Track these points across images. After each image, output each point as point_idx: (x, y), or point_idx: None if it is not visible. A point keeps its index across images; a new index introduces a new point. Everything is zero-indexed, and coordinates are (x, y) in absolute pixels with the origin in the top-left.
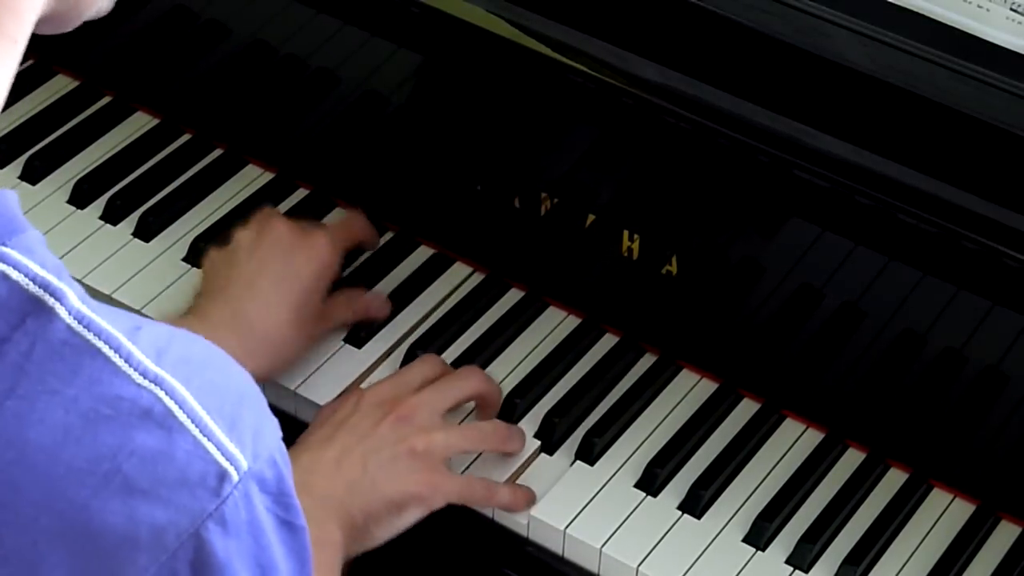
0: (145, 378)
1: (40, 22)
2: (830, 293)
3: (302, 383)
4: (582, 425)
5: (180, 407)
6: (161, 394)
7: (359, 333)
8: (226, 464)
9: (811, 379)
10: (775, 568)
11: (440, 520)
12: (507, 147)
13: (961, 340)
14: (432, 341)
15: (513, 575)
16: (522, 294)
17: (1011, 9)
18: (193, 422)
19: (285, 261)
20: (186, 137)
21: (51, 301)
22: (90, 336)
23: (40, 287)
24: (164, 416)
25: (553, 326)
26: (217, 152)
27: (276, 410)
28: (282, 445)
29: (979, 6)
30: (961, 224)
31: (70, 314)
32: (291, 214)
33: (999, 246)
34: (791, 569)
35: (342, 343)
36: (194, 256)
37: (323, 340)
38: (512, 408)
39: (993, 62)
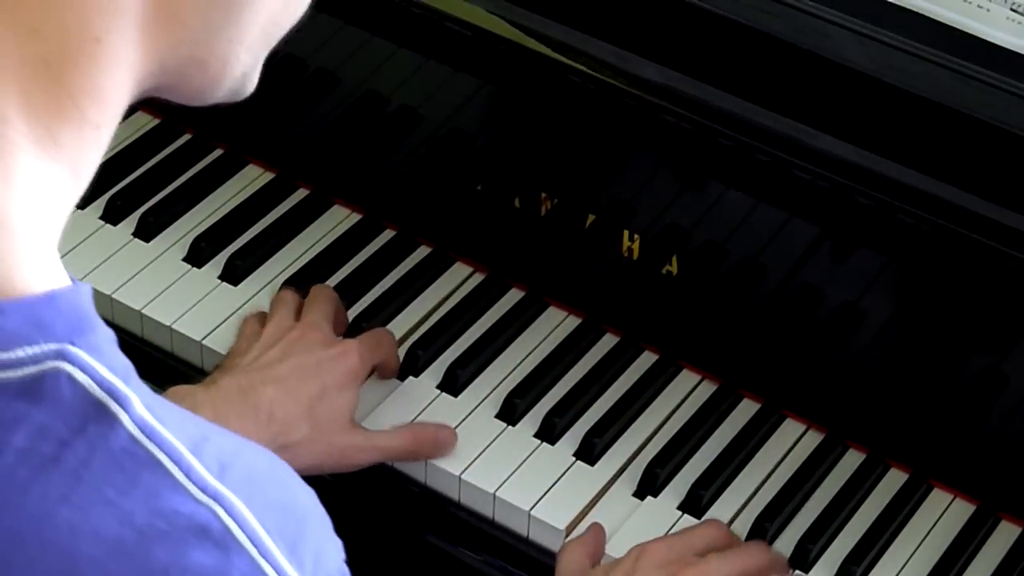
0: (205, 493)
1: (165, 93)
2: (830, 293)
3: None
4: (582, 425)
5: (239, 526)
6: (220, 511)
7: (359, 334)
8: None
9: (811, 379)
10: None
11: (444, 521)
12: (507, 147)
13: (961, 340)
14: (432, 341)
15: (514, 571)
16: (522, 294)
17: (1011, 9)
18: (252, 542)
19: (310, 355)
20: (186, 137)
21: (115, 407)
22: (151, 447)
23: (105, 392)
24: (222, 534)
25: (553, 326)
26: (217, 152)
27: None
28: (344, 568)
29: (979, 6)
30: (961, 224)
31: (133, 422)
32: (291, 214)
33: (999, 246)
34: (792, 569)
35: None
36: (194, 256)
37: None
38: (512, 408)
39: (993, 62)
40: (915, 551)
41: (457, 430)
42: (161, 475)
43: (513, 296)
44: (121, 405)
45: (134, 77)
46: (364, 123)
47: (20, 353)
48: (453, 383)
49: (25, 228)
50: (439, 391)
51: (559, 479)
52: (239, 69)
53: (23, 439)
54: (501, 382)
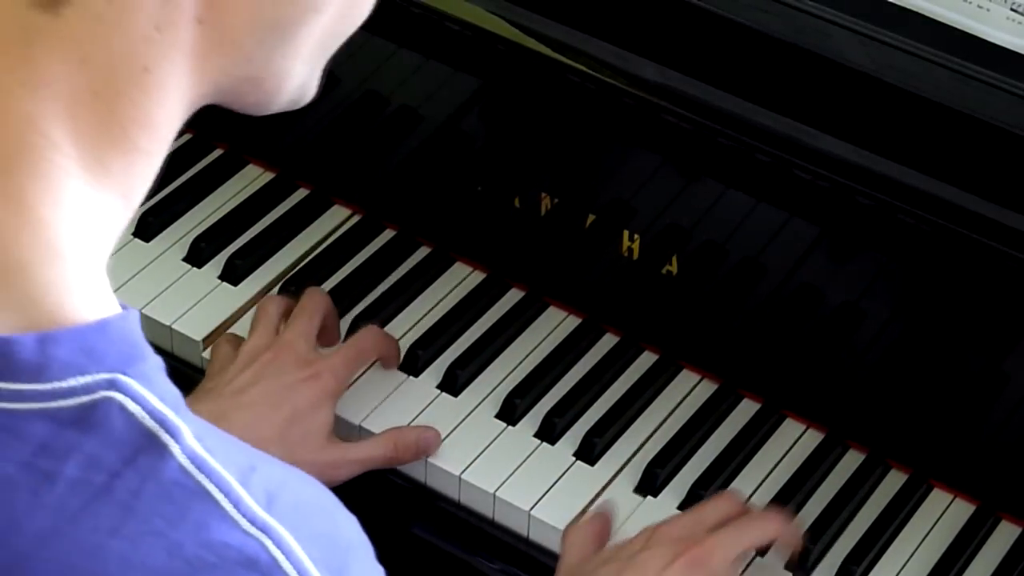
0: (253, 525)
1: (229, 103)
2: (830, 293)
3: None
4: (582, 425)
5: (287, 557)
6: (268, 543)
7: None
8: None
9: (811, 379)
10: (776, 568)
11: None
12: (507, 147)
13: (961, 340)
14: (432, 341)
15: (514, 571)
16: (522, 294)
17: (1011, 9)
18: (299, 573)
19: (282, 378)
20: (186, 137)
21: (166, 438)
22: (201, 478)
23: (156, 422)
24: (269, 566)
25: (553, 326)
26: (217, 152)
27: None
28: None
29: (979, 6)
30: (961, 224)
31: (184, 453)
32: (291, 214)
33: (999, 246)
34: (792, 570)
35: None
36: (194, 256)
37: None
38: (512, 408)
39: (993, 62)
40: (915, 551)
41: (457, 430)
42: (211, 506)
43: (513, 296)
44: (172, 435)
45: (185, 102)
46: (364, 123)
47: (72, 382)
48: (453, 383)
49: (75, 253)
50: (439, 391)
51: (559, 479)
52: (296, 81)
53: (75, 469)
54: (501, 382)
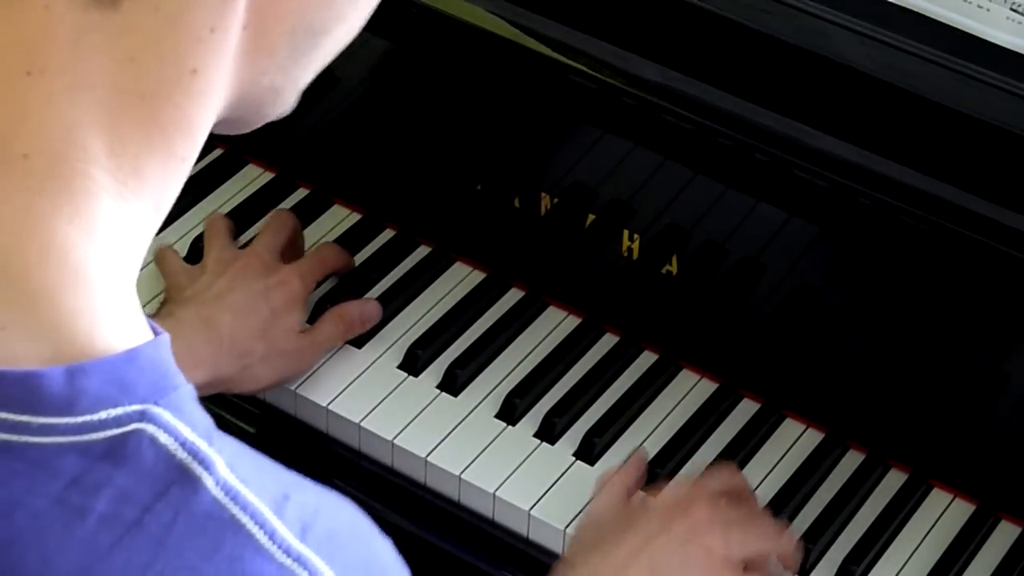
0: (288, 557)
1: (218, 125)
2: (830, 293)
3: (302, 383)
4: (582, 425)
5: None
6: (304, 574)
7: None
8: None
9: (811, 379)
10: (775, 568)
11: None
12: (507, 147)
13: (961, 340)
14: (432, 341)
15: (514, 571)
16: (522, 294)
17: (1011, 9)
18: None
19: (255, 284)
20: None
21: (199, 470)
22: (235, 510)
23: (189, 453)
24: None
25: (553, 326)
26: (217, 152)
27: (275, 410)
28: None
29: (979, 6)
30: (961, 224)
31: (217, 485)
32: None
33: (999, 246)
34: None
35: (342, 343)
36: (194, 256)
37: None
38: (512, 408)
39: (993, 62)
40: (915, 551)
41: (457, 430)
42: (244, 538)
43: (513, 296)
44: (205, 467)
45: (219, 109)
46: (364, 123)
47: (104, 415)
48: (453, 383)
49: (105, 279)
50: (439, 391)
51: (559, 479)
52: (299, 92)
53: (107, 504)
54: (501, 382)
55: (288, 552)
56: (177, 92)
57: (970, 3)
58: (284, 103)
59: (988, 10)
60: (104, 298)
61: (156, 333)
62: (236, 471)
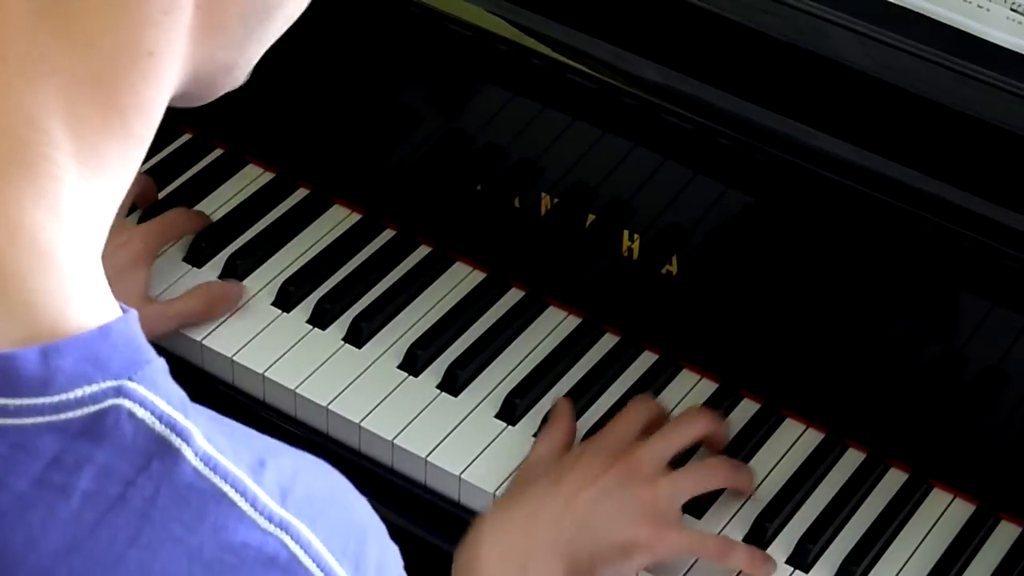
0: (271, 523)
1: (173, 100)
2: (829, 292)
3: (302, 383)
4: (582, 425)
5: (305, 551)
6: (287, 539)
7: (359, 333)
8: None
9: (811, 379)
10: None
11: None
12: (507, 147)
13: (961, 340)
14: (432, 341)
15: None
16: (522, 294)
17: (1011, 9)
18: (318, 566)
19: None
20: (186, 137)
21: (177, 442)
22: (216, 479)
23: (166, 426)
24: (288, 562)
25: (553, 326)
26: (217, 152)
27: (276, 409)
28: (403, 573)
29: (979, 6)
30: (961, 224)
31: (196, 456)
32: (291, 214)
33: (999, 246)
34: (791, 569)
35: (342, 343)
36: (195, 256)
37: (321, 340)
38: (512, 408)
39: (993, 62)
40: (915, 551)
41: (457, 430)
42: (227, 507)
43: (513, 296)
44: (183, 438)
45: (172, 89)
46: (364, 123)
47: (79, 392)
48: (453, 383)
49: (72, 259)
50: (439, 391)
51: None
52: (251, 67)
53: (89, 481)
54: (501, 382)
55: (271, 518)
56: (134, 75)
57: (970, 3)
58: (237, 78)
59: (988, 10)
60: (73, 278)
61: (124, 311)
62: (212, 441)
